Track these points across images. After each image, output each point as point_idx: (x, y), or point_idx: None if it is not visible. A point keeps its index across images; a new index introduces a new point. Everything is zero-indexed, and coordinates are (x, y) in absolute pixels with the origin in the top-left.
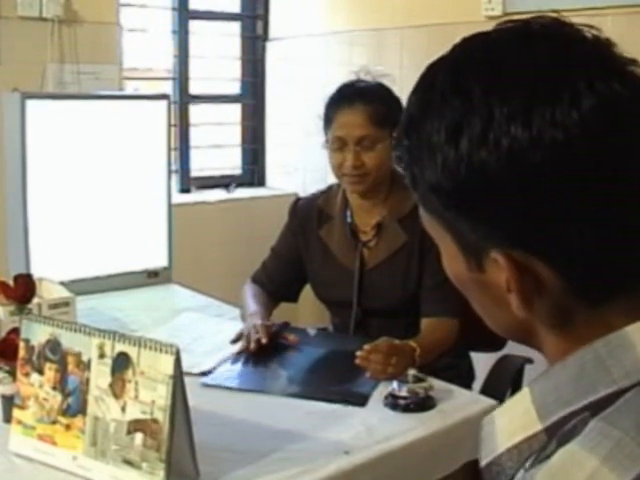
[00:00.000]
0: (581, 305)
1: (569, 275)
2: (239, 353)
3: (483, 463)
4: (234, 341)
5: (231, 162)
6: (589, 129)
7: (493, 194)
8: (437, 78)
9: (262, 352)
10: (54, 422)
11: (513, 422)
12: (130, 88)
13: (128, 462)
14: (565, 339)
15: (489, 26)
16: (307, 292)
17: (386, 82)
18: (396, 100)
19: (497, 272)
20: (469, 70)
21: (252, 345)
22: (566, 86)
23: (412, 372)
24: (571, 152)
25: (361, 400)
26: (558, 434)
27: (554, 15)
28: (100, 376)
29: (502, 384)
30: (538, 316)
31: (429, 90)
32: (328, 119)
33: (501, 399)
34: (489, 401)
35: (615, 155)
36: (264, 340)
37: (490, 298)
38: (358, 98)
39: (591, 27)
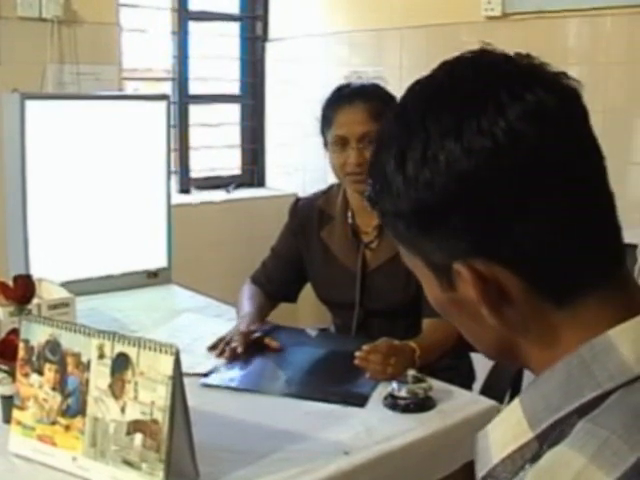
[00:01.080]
0: (549, 309)
1: (529, 278)
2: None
3: (479, 476)
4: (212, 347)
5: (231, 162)
6: (516, 134)
7: (443, 208)
8: (386, 122)
9: (249, 353)
10: (54, 423)
11: (506, 434)
12: (130, 89)
13: (128, 463)
14: (545, 348)
15: (489, 26)
16: (308, 292)
17: (379, 83)
18: (392, 97)
19: (466, 286)
20: (409, 105)
21: (226, 354)
22: (490, 98)
23: (412, 372)
24: (501, 157)
25: (361, 400)
26: (548, 440)
27: (483, 47)
28: (100, 377)
29: (502, 385)
30: (511, 325)
31: (382, 131)
32: (327, 120)
33: (501, 400)
34: (489, 402)
35: (547, 156)
36: (240, 349)
37: (468, 316)
38: (357, 96)
39: (521, 54)
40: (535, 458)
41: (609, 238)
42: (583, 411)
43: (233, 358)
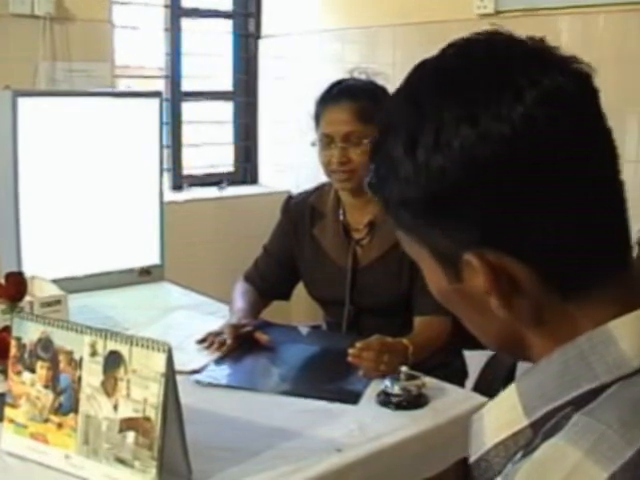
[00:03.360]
0: (558, 300)
1: (540, 269)
2: (232, 351)
3: (472, 459)
4: (200, 341)
5: (224, 160)
6: (534, 121)
7: (454, 196)
8: (394, 103)
9: (241, 351)
10: (46, 421)
11: (500, 418)
12: (122, 86)
13: (120, 460)
14: (549, 339)
15: (481, 23)
16: (300, 290)
17: (380, 80)
18: (385, 96)
19: (474, 277)
20: (420, 88)
21: (215, 346)
22: (508, 83)
23: (404, 370)
24: (519, 144)
25: (353, 398)
26: (543, 429)
27: (494, 27)
28: (92, 374)
29: (495, 382)
30: (520, 316)
31: (387, 113)
32: (317, 117)
33: (493, 397)
34: (482, 399)
35: (564, 144)
36: (229, 341)
37: (474, 308)
38: (344, 95)
39: (532, 37)
40: (529, 445)
41: (619, 231)
42: (579, 403)
43: (224, 351)
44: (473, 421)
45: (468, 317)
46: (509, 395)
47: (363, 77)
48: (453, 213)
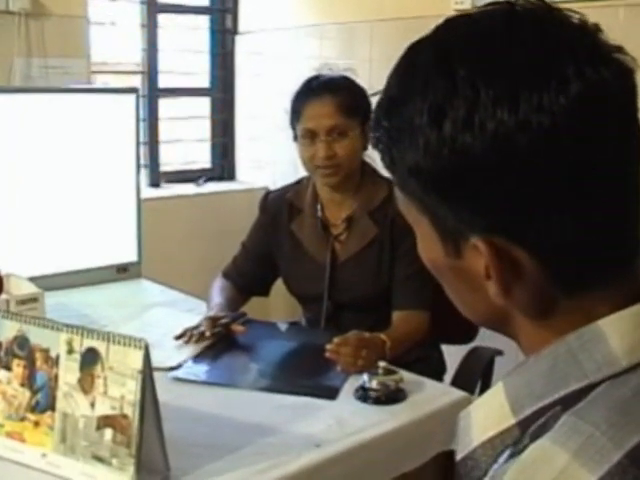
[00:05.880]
0: (559, 294)
1: (549, 263)
2: (211, 347)
3: (458, 457)
4: (178, 337)
5: (201, 156)
6: (576, 115)
7: (476, 179)
8: (420, 59)
9: (219, 348)
10: (22, 419)
11: (487, 416)
12: (99, 82)
13: (98, 458)
14: (543, 329)
15: None
16: (279, 287)
17: (349, 75)
18: (361, 90)
19: (475, 258)
20: (453, 51)
21: (194, 339)
22: (554, 71)
23: (382, 364)
24: (557, 138)
25: (332, 393)
26: (530, 429)
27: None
28: (69, 372)
29: (473, 376)
30: (517, 305)
31: (411, 71)
32: (296, 113)
33: (472, 391)
34: (460, 393)
35: (601, 143)
36: (207, 333)
37: (466, 285)
38: (325, 89)
39: (576, 13)
40: (516, 444)
41: (631, 230)
42: (567, 402)
43: (203, 344)
44: (460, 419)
45: (457, 291)
46: (496, 393)
47: (331, 73)
48: (469, 194)
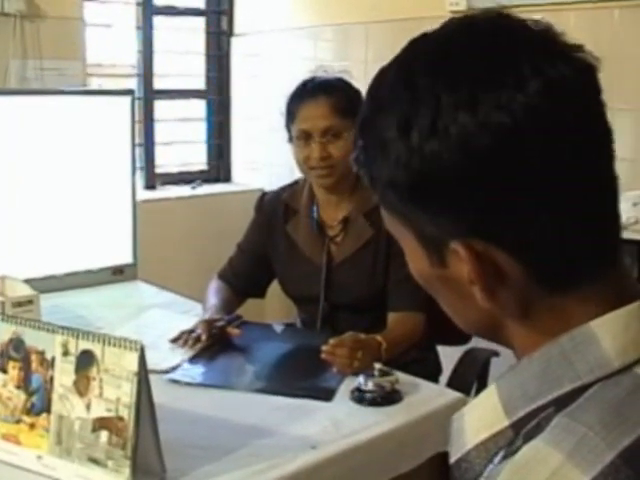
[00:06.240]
0: (544, 294)
1: (530, 263)
2: (206, 349)
3: (452, 460)
4: (174, 340)
5: (197, 158)
6: (536, 111)
7: (447, 184)
8: (386, 77)
9: (215, 350)
10: (18, 421)
11: (480, 419)
12: (94, 84)
13: (93, 460)
14: (533, 332)
15: None
16: (275, 288)
17: (344, 77)
18: (356, 91)
19: (459, 265)
20: (414, 65)
21: (189, 343)
22: (511, 70)
23: (378, 366)
24: (519, 135)
25: (327, 395)
26: (524, 430)
27: (499, 10)
28: (64, 374)
29: (468, 377)
30: (503, 308)
31: (379, 89)
32: (291, 114)
33: (468, 392)
34: (455, 394)
35: (564, 137)
36: (203, 337)
37: (455, 294)
38: (320, 91)
39: (537, 21)
40: (509, 446)
41: (610, 227)
42: (561, 403)
43: (198, 348)
44: (453, 420)
45: (448, 301)
46: (489, 395)
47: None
48: (443, 200)
